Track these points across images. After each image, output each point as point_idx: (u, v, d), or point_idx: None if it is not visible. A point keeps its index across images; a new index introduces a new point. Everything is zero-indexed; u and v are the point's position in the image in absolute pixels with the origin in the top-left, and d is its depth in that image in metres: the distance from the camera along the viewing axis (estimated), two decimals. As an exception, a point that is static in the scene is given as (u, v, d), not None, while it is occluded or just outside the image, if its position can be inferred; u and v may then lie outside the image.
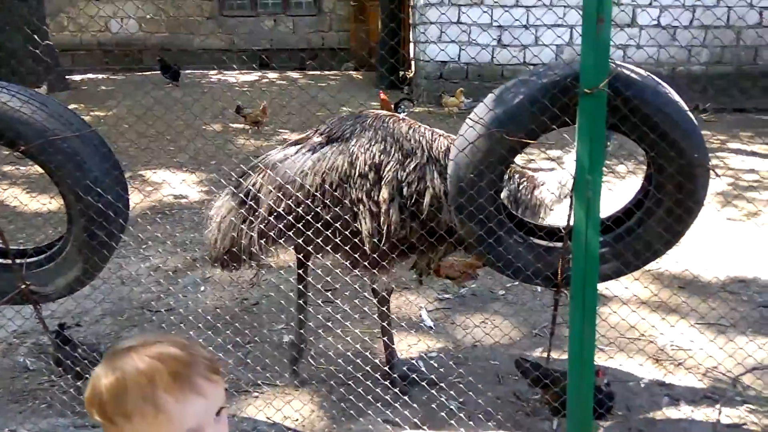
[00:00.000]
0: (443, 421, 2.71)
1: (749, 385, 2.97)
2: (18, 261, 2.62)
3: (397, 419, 2.73)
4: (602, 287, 3.94)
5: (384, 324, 2.96)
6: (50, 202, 4.15)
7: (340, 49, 12.40)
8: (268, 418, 2.79)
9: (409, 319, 3.65)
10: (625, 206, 2.50)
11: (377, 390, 2.96)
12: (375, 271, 2.73)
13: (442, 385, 2.91)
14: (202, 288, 3.94)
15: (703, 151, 2.21)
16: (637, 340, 3.34)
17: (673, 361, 3.16)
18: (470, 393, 2.82)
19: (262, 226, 2.69)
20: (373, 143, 2.65)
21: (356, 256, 2.68)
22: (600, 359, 3.17)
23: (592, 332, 2.15)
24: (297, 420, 2.79)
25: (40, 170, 2.59)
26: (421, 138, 2.71)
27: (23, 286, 2.60)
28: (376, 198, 2.62)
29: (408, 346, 3.30)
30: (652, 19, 8.70)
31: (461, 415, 2.76)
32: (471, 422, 2.70)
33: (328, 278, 2.94)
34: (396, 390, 2.92)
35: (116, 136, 5.48)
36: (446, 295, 3.95)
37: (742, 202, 5.29)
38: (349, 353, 2.96)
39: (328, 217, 2.59)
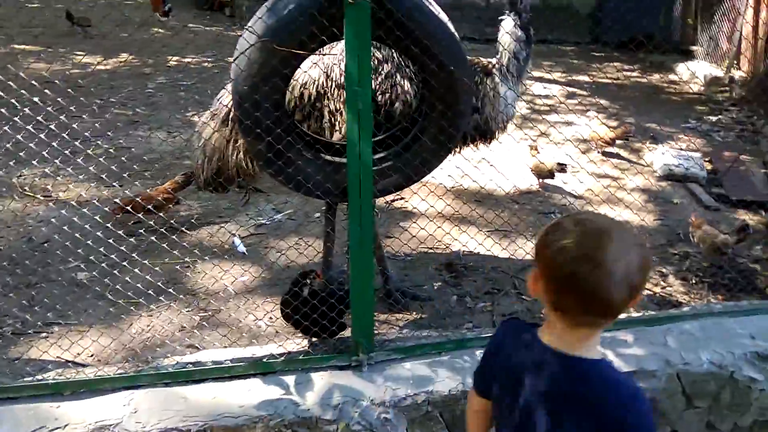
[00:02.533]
0: (257, 338, 2.78)
1: (525, 279, 3.40)
2: None
3: (202, 343, 2.73)
4: (409, 205, 4.20)
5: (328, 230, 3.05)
6: None
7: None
8: (58, 357, 2.63)
9: (221, 246, 3.60)
10: (402, 124, 2.62)
11: (181, 317, 2.92)
12: None
13: (253, 303, 2.95)
14: (-20, 229, 3.51)
15: (463, 65, 2.36)
16: (436, 249, 3.64)
17: (463, 265, 3.50)
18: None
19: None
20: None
21: None
22: (401, 266, 3.42)
23: (369, 241, 2.27)
24: (92, 356, 2.66)
25: None
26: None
27: None
28: None
29: (222, 272, 3.25)
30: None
31: (268, 330, 2.84)
32: (276, 337, 2.79)
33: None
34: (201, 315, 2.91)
35: None
36: (262, 221, 3.95)
37: (537, 124, 5.88)
38: (155, 285, 2.84)
39: (308, 131, 2.61)
